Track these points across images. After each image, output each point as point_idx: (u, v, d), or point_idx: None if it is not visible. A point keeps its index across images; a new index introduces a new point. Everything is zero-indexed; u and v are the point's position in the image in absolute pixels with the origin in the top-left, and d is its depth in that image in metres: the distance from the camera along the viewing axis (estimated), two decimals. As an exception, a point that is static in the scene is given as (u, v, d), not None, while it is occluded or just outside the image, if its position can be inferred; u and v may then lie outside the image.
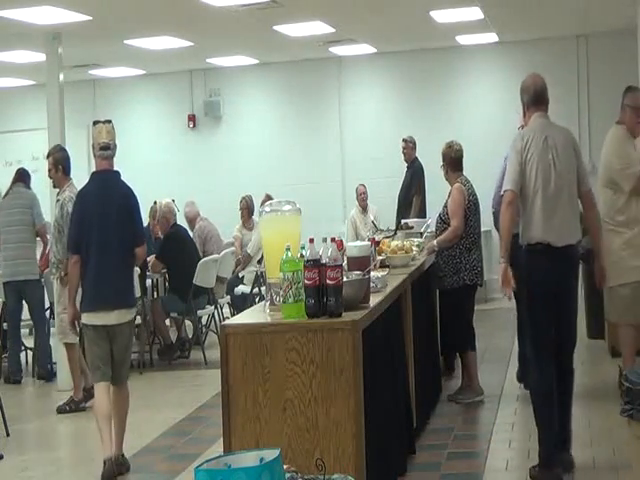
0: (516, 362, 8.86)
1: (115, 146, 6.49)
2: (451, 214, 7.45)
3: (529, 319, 5.81)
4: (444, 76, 13.76)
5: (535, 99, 5.86)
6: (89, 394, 8.13)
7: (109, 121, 6.56)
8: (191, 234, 11.23)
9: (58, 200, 8.02)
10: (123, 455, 6.41)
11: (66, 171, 8.11)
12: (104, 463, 6.22)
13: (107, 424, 6.32)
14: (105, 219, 6.34)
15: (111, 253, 6.32)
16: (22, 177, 9.46)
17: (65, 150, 8.32)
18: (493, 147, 13.13)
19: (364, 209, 12.93)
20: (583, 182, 5.83)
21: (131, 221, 6.44)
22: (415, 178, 12.26)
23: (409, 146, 12.42)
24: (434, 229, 8.06)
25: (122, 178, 6.55)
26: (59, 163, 8.11)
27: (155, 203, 11.13)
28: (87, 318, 6.39)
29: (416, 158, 12.40)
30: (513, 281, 5.56)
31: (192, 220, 11.49)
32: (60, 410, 8.17)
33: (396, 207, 12.33)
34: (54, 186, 8.29)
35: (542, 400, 5.66)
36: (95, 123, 6.59)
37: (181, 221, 11.38)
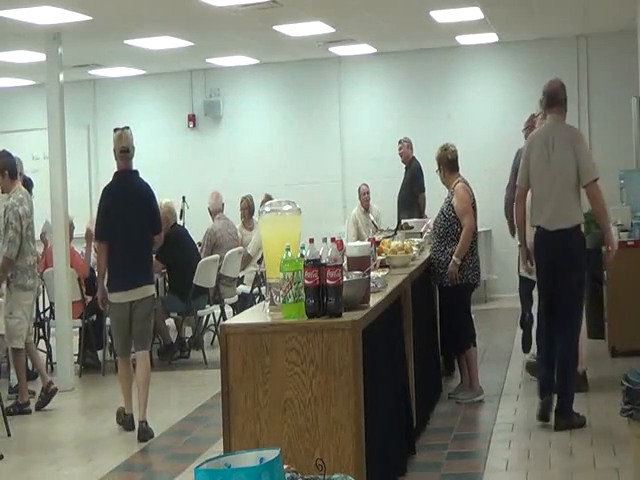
0: (515, 360, 8.91)
1: (133, 148, 7.44)
2: (462, 213, 7.42)
3: (537, 284, 7.09)
4: (444, 76, 13.75)
5: (547, 102, 6.76)
6: (46, 395, 8.22)
7: (127, 127, 7.53)
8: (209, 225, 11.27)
9: (6, 205, 8.03)
10: (147, 422, 7.23)
11: (12, 175, 8.21)
12: (124, 413, 7.41)
13: (128, 393, 7.37)
14: (128, 211, 7.32)
15: (135, 239, 7.31)
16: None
17: (10, 155, 8.34)
18: (493, 146, 13.15)
19: (367, 209, 12.91)
20: (582, 177, 6.56)
21: (150, 212, 7.47)
22: (415, 177, 12.27)
23: (405, 146, 12.43)
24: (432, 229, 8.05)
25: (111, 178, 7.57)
26: (5, 168, 8.17)
27: None
28: (116, 297, 7.33)
29: (414, 157, 12.41)
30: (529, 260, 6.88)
31: (213, 213, 11.48)
32: (7, 412, 7.84)
33: (396, 207, 12.33)
34: (2, 191, 8.34)
35: (539, 345, 6.91)
36: (115, 130, 7.50)
37: (199, 214, 11.36)
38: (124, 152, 7.38)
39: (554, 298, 6.68)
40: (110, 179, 7.61)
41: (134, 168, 7.47)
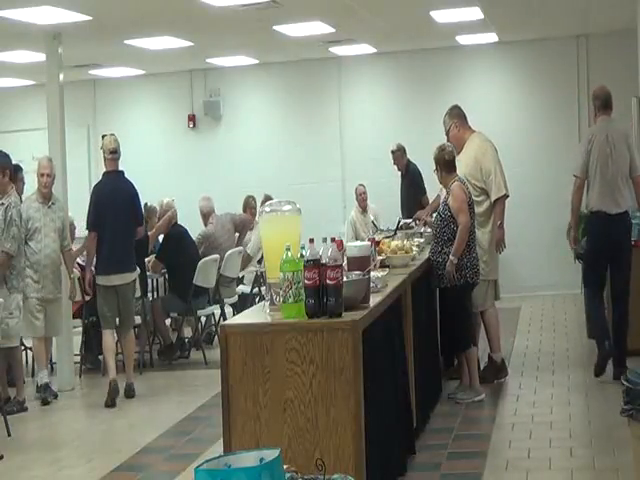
0: (515, 360, 8.92)
1: (120, 151, 8.54)
2: (457, 211, 7.42)
3: (585, 264, 8.20)
4: (444, 76, 13.75)
5: (602, 104, 7.94)
6: (20, 405, 8.22)
7: (113, 134, 8.66)
8: (202, 229, 11.25)
9: (2, 204, 7.98)
10: (133, 384, 8.59)
11: (11, 177, 8.20)
12: (109, 383, 8.38)
13: (111, 356, 8.56)
14: (116, 206, 8.44)
15: (120, 231, 8.46)
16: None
17: (8, 156, 8.31)
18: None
19: (364, 209, 12.86)
20: (632, 169, 7.85)
21: (134, 207, 8.68)
22: (414, 184, 12.19)
23: (397, 155, 12.29)
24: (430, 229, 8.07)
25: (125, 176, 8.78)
26: (6, 168, 8.13)
27: (146, 204, 11.10)
28: (103, 280, 8.48)
29: (409, 162, 12.33)
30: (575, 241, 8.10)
31: (206, 215, 11.40)
32: (8, 412, 7.79)
33: (399, 209, 12.27)
34: None
35: (593, 325, 8.32)
36: (103, 136, 8.63)
37: (198, 214, 11.40)
38: (113, 153, 8.46)
39: (612, 271, 7.94)
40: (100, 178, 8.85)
41: (120, 169, 8.63)
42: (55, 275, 8.61)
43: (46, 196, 8.59)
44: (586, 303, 8.25)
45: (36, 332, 8.59)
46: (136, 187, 8.77)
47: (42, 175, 8.53)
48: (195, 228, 11.38)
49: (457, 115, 8.42)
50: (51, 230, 8.56)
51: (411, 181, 12.23)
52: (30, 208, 8.48)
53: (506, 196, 8.12)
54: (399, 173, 12.55)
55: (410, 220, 9.21)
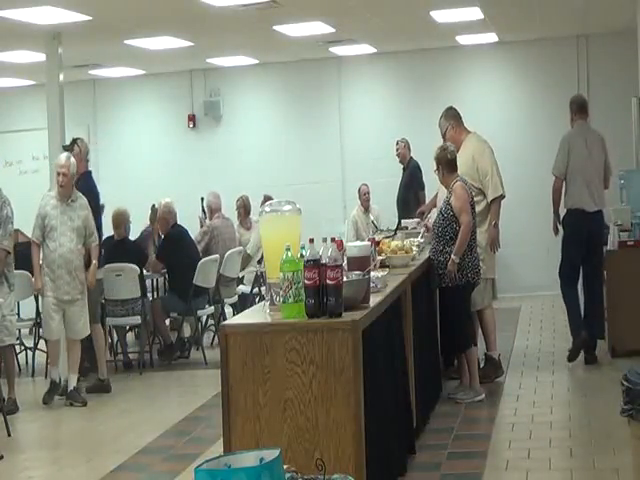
0: (515, 360, 8.91)
1: None
2: (459, 211, 7.42)
3: (563, 256, 8.69)
4: (444, 76, 13.75)
5: (577, 109, 8.61)
6: (14, 405, 8.16)
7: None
8: (206, 223, 11.32)
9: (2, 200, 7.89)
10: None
11: None
12: (102, 380, 8.88)
13: (103, 353, 9.02)
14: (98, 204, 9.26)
15: (100, 227, 9.09)
16: None
17: None
18: (493, 146, 13.15)
19: (366, 209, 12.86)
20: (607, 171, 8.60)
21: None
22: (414, 177, 12.23)
23: (402, 146, 12.36)
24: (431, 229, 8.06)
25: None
26: None
27: (153, 206, 11.11)
28: (100, 273, 8.93)
29: (411, 158, 12.37)
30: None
31: (213, 212, 11.49)
32: (9, 412, 7.76)
33: (396, 208, 12.29)
34: None
35: (568, 308, 8.68)
36: (75, 140, 9.02)
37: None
38: (88, 154, 9.21)
39: (586, 262, 8.53)
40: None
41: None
42: (71, 276, 8.26)
43: (63, 194, 8.30)
44: (563, 296, 8.75)
45: (51, 335, 8.44)
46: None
47: (58, 174, 8.29)
48: (195, 228, 11.39)
49: (453, 116, 8.51)
50: (67, 229, 8.26)
51: (411, 175, 12.27)
52: (47, 205, 8.30)
53: (502, 196, 8.14)
54: (399, 173, 12.55)
55: (412, 221, 9.21)
